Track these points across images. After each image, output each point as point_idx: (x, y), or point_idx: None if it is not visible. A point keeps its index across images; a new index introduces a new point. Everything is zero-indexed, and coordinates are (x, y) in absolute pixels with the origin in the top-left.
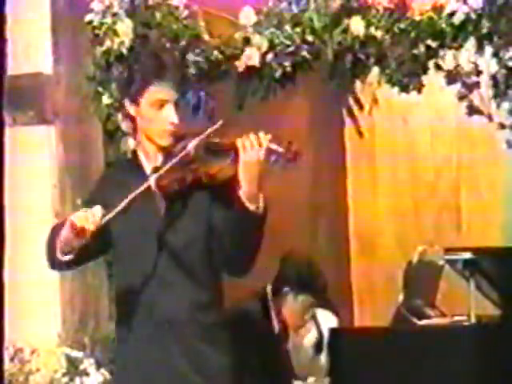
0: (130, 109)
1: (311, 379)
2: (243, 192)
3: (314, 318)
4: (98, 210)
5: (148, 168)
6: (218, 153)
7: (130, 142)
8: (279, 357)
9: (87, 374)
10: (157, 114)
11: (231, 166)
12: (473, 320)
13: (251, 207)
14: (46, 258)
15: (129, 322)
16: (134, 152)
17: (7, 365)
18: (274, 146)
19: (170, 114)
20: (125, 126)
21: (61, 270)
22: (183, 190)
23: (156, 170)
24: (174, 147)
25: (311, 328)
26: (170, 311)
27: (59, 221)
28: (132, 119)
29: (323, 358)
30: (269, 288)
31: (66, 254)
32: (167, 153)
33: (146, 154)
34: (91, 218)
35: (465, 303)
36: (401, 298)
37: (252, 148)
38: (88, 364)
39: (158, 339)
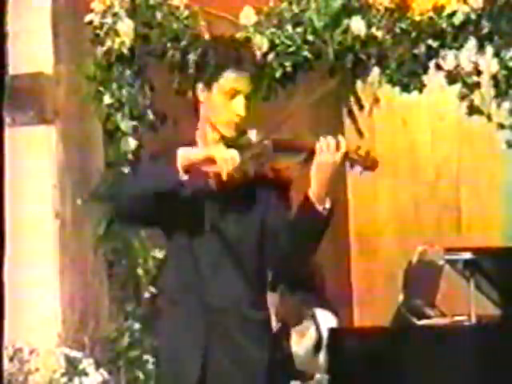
0: (201, 94)
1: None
2: (312, 191)
3: (313, 317)
4: (237, 157)
5: None
6: (289, 151)
7: (130, 142)
8: (281, 356)
9: (86, 374)
10: (227, 104)
11: (300, 166)
12: (473, 320)
13: (318, 207)
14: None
15: (176, 300)
16: (193, 140)
17: (6, 365)
18: (353, 155)
19: (239, 106)
20: (124, 125)
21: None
22: (245, 183)
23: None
24: (236, 139)
25: (310, 327)
26: (217, 298)
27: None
28: (195, 106)
29: (322, 357)
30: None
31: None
32: (230, 144)
33: (205, 142)
34: (231, 162)
35: (465, 303)
36: (401, 297)
37: (329, 150)
38: (87, 364)
39: (201, 325)
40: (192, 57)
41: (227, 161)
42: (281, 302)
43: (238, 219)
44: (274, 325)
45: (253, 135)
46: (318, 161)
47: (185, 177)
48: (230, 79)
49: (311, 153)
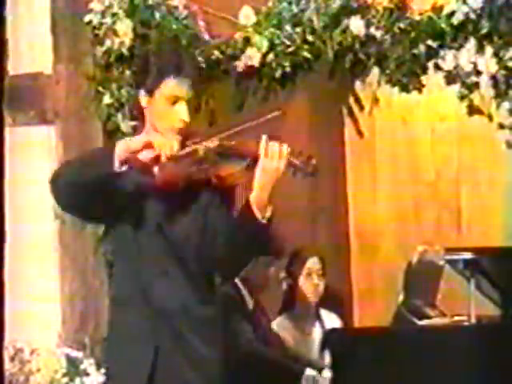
0: (143, 99)
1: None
2: (253, 197)
3: (318, 316)
4: (175, 143)
5: None
6: (232, 157)
7: None
8: (262, 333)
9: (87, 374)
10: (169, 109)
11: (244, 172)
12: (473, 320)
13: (258, 214)
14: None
15: (125, 304)
16: None
17: (7, 365)
18: (294, 160)
19: (182, 111)
20: (124, 125)
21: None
22: (187, 187)
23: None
24: (182, 145)
25: (316, 324)
26: (164, 299)
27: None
28: (140, 111)
29: (327, 354)
30: None
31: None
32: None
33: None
34: (169, 146)
35: (465, 303)
36: (401, 298)
37: (273, 157)
38: (88, 364)
39: (150, 326)
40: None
41: (165, 144)
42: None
43: (181, 219)
44: (249, 301)
45: (200, 140)
46: (262, 165)
47: (122, 167)
48: (169, 86)
49: (255, 158)
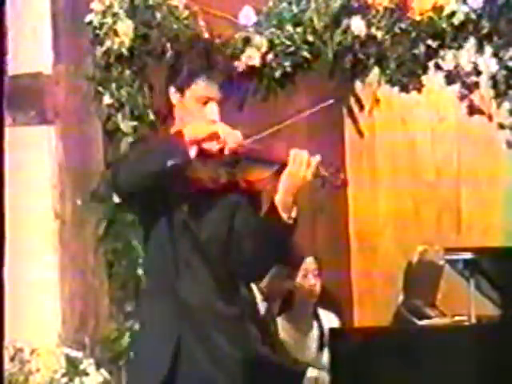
0: (174, 97)
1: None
2: (278, 199)
3: (316, 316)
4: (240, 135)
5: None
6: (261, 161)
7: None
8: (271, 340)
9: (87, 374)
10: (200, 109)
11: (273, 178)
12: (473, 320)
13: (283, 215)
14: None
15: (152, 295)
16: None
17: (7, 365)
18: (322, 171)
19: (212, 112)
20: (124, 126)
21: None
22: (214, 190)
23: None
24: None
25: (313, 325)
26: (189, 294)
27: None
28: (169, 107)
29: (325, 354)
30: None
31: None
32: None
33: None
34: (234, 138)
35: (465, 303)
36: (401, 298)
37: (301, 165)
38: (88, 364)
39: (174, 316)
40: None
41: (230, 135)
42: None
43: (207, 218)
44: (260, 306)
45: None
46: (289, 170)
47: (193, 152)
48: (200, 87)
49: (283, 165)
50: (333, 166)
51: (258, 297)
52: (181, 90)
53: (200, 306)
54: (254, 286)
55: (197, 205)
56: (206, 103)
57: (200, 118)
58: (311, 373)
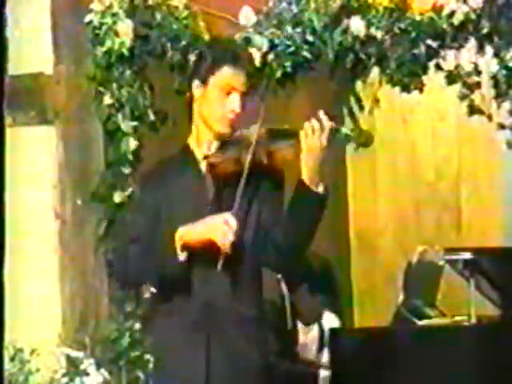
0: (197, 91)
1: None
2: (304, 177)
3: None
4: (232, 220)
5: (199, 155)
6: (279, 138)
7: (131, 142)
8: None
9: (87, 374)
10: (222, 99)
11: (291, 149)
12: (473, 320)
13: (314, 188)
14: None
15: (170, 301)
16: (185, 145)
17: (7, 365)
18: (344, 129)
19: (234, 102)
20: (125, 126)
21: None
22: (238, 171)
23: (207, 157)
24: (230, 136)
25: (313, 326)
26: (212, 296)
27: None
28: (188, 104)
29: (325, 354)
30: (283, 283)
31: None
32: (224, 140)
33: (198, 142)
34: (230, 231)
35: (465, 303)
36: (401, 298)
37: (314, 134)
38: (88, 364)
39: (195, 323)
40: (191, 57)
41: (225, 237)
42: (301, 302)
43: (233, 211)
44: (289, 322)
45: (253, 130)
46: (305, 147)
47: (183, 256)
48: (226, 75)
49: (298, 134)
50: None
51: (288, 313)
52: (204, 80)
53: (221, 306)
54: (286, 303)
55: (219, 198)
56: (229, 93)
57: (221, 107)
58: (324, 373)
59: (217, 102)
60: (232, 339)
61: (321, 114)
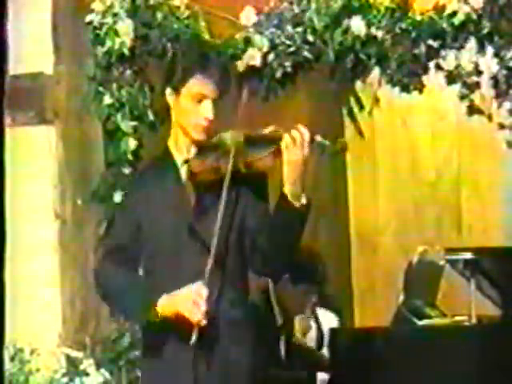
0: (170, 99)
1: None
2: (286, 189)
3: (315, 316)
4: (202, 289)
5: (179, 160)
6: (259, 145)
7: (131, 142)
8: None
9: (87, 374)
10: (195, 107)
11: (271, 157)
12: (473, 320)
13: (295, 203)
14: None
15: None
16: (165, 147)
17: (7, 365)
18: (319, 138)
19: (206, 109)
20: (124, 125)
21: None
22: (218, 180)
23: (186, 161)
24: (207, 142)
25: (312, 326)
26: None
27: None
28: (166, 111)
29: (325, 353)
30: (269, 280)
31: None
32: (201, 145)
33: (177, 147)
34: (200, 305)
35: (465, 303)
36: (401, 297)
37: (295, 145)
38: (88, 364)
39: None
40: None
41: (194, 312)
42: (283, 293)
43: (213, 220)
44: (278, 318)
45: (228, 137)
46: (287, 159)
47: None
48: (195, 83)
49: (279, 141)
50: (332, 134)
51: (276, 309)
52: (176, 89)
53: (211, 309)
54: (273, 299)
55: (203, 206)
56: (200, 101)
57: (194, 115)
58: (322, 376)
59: (190, 109)
60: (222, 343)
61: (300, 126)
